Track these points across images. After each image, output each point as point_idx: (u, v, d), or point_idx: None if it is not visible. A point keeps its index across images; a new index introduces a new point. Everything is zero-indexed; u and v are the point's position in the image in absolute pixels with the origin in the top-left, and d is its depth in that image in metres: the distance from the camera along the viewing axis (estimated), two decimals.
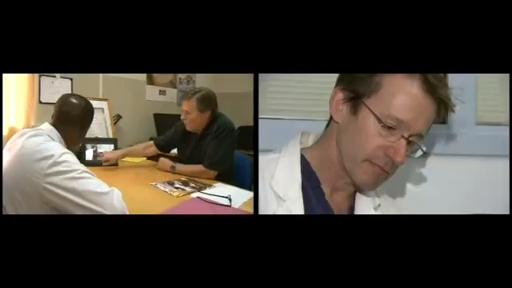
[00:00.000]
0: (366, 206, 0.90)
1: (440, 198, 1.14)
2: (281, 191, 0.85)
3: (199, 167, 1.89)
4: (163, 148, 2.18)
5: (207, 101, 1.92)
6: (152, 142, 2.22)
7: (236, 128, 2.08)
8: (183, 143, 2.10)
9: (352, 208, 0.90)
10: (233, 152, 2.05)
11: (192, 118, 1.92)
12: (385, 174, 0.82)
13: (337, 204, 0.88)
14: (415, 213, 1.01)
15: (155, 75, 3.65)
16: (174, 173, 1.92)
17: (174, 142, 2.16)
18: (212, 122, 1.96)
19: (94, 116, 1.27)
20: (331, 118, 0.87)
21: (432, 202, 1.14)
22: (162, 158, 2.05)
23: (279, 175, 0.87)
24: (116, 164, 2.15)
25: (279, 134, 0.94)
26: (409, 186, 1.17)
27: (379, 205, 0.92)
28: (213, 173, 1.88)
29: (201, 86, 2.20)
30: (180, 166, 1.95)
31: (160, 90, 3.73)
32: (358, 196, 0.91)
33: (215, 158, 1.88)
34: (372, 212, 0.90)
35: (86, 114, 1.22)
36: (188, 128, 1.99)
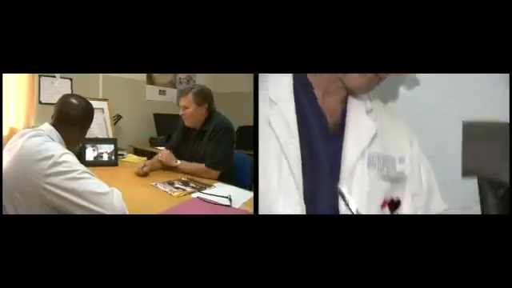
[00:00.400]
0: (358, 109, 0.91)
1: (433, 104, 1.13)
2: (272, 94, 0.87)
3: (202, 166, 1.91)
4: (175, 152, 2.18)
5: (203, 95, 1.98)
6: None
7: (236, 128, 2.09)
8: (183, 142, 2.12)
9: (344, 112, 0.91)
10: (232, 151, 2.07)
11: (190, 112, 1.97)
12: (377, 79, 0.84)
13: (329, 108, 0.90)
14: (407, 117, 1.01)
15: (155, 75, 3.65)
16: (176, 169, 1.95)
17: (179, 143, 2.18)
18: (209, 119, 2.00)
19: (94, 116, 1.27)
20: None
21: (424, 108, 1.13)
22: (166, 151, 2.06)
23: (271, 77, 0.88)
24: (116, 164, 2.16)
25: None
26: (401, 91, 1.16)
27: (371, 109, 0.93)
28: (215, 173, 1.89)
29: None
30: (184, 164, 1.97)
31: (160, 90, 3.74)
32: (350, 100, 0.92)
33: (216, 158, 1.90)
34: (364, 116, 0.91)
35: (86, 114, 1.22)
36: (187, 123, 2.03)
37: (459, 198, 1.40)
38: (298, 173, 0.87)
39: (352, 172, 0.91)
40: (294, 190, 0.88)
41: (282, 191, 0.88)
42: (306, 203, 0.88)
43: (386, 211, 0.96)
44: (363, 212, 0.89)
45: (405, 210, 0.97)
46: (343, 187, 0.90)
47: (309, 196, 0.90)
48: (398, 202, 0.96)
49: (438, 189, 1.05)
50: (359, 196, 0.91)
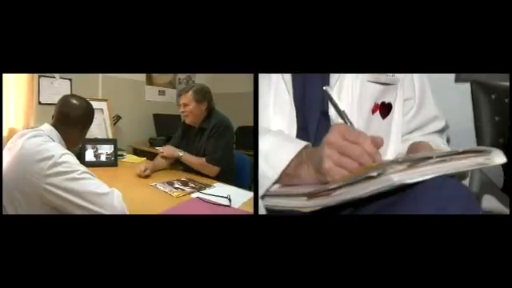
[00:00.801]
0: None
1: None
2: None
3: (203, 160, 1.94)
4: None
5: (203, 92, 2.02)
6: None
7: (236, 128, 2.10)
8: (184, 140, 2.15)
9: None
10: (231, 149, 2.09)
11: (190, 109, 2.00)
12: None
13: None
14: None
15: (154, 76, 3.65)
16: (179, 160, 1.99)
17: (180, 141, 2.20)
18: (209, 117, 2.03)
19: (94, 117, 1.27)
20: None
21: None
22: (167, 146, 2.10)
23: None
24: (116, 164, 2.16)
25: None
26: None
27: None
28: (215, 169, 1.92)
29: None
30: (186, 155, 1.99)
31: (159, 91, 3.74)
32: None
33: (215, 155, 1.93)
34: None
35: (87, 114, 1.22)
36: (187, 121, 2.06)
37: (452, 103, 1.39)
38: (287, 77, 0.90)
39: (342, 75, 0.91)
40: (284, 90, 0.90)
41: (272, 95, 0.90)
42: (296, 107, 0.90)
43: (377, 115, 0.95)
44: (354, 116, 0.89)
45: (396, 114, 0.96)
46: (332, 90, 0.89)
47: (299, 101, 0.91)
48: (390, 106, 0.95)
49: (430, 94, 1.04)
50: (349, 100, 0.92)
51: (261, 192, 0.83)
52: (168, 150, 2.03)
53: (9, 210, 1.01)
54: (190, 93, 2.00)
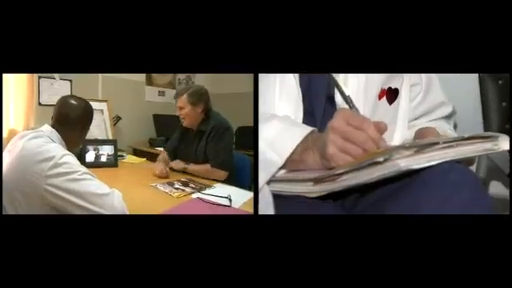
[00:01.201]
0: None
1: None
2: None
3: (208, 167, 1.93)
4: (173, 154, 2.21)
5: (198, 94, 2.01)
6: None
7: (235, 128, 2.10)
8: (182, 142, 2.14)
9: None
10: (232, 151, 2.09)
11: (186, 112, 2.00)
12: None
13: None
14: None
15: (154, 76, 3.65)
16: (186, 172, 1.97)
17: (178, 144, 2.20)
18: (207, 119, 2.02)
19: (94, 117, 1.27)
20: None
21: None
22: (176, 161, 2.10)
23: None
24: (116, 165, 2.16)
25: None
26: None
27: None
28: (223, 173, 1.91)
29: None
30: (192, 166, 1.99)
31: (159, 91, 3.74)
32: None
33: (219, 159, 1.92)
34: None
35: (86, 115, 1.22)
36: (185, 123, 2.06)
37: (459, 89, 1.38)
38: None
39: None
40: (290, 75, 0.90)
41: (278, 80, 0.90)
42: (302, 92, 0.90)
43: (384, 101, 0.94)
44: (360, 102, 0.89)
45: (403, 99, 0.94)
46: (338, 75, 0.90)
47: (305, 86, 0.91)
48: (396, 91, 0.94)
49: (437, 79, 1.04)
50: (356, 85, 0.92)
51: (266, 178, 0.82)
52: (177, 165, 2.02)
53: (9, 210, 1.01)
54: (185, 96, 1.98)
